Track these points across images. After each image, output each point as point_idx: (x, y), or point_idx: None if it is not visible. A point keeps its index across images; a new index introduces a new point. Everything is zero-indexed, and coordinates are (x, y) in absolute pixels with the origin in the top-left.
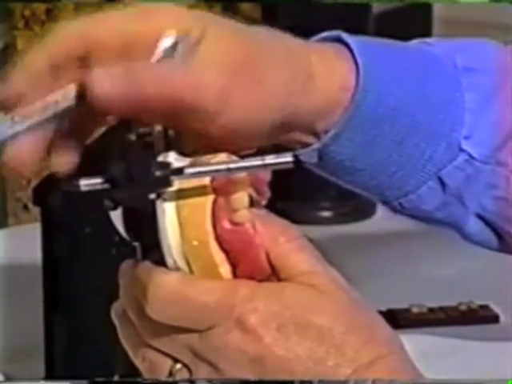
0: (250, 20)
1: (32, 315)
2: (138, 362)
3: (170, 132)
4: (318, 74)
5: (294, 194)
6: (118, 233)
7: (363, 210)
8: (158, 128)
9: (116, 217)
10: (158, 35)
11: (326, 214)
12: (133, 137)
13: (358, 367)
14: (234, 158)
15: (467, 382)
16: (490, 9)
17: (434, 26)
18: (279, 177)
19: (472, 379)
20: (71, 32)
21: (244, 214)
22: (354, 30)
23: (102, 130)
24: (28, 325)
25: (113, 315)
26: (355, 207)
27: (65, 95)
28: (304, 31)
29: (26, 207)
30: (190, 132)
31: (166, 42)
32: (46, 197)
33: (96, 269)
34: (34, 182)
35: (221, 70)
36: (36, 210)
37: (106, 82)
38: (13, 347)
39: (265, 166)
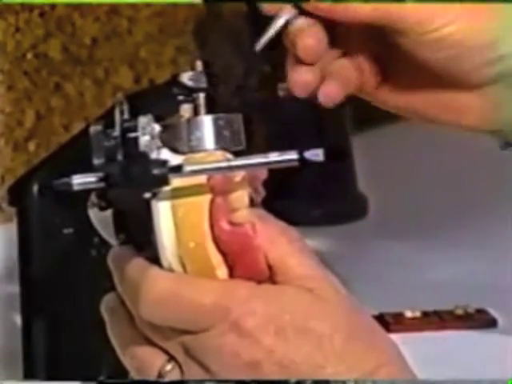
0: (234, 17)
1: (9, 317)
2: (126, 361)
3: (158, 127)
4: None
5: (284, 193)
6: (98, 234)
7: (355, 211)
8: (144, 121)
9: (96, 217)
10: None
11: (316, 213)
12: (116, 132)
13: (358, 376)
14: (230, 156)
15: (467, 382)
16: None
17: None
18: (273, 176)
19: (472, 380)
20: None
21: (244, 214)
22: None
23: (84, 125)
24: (5, 327)
25: (103, 310)
26: (346, 207)
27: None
28: None
29: None
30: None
31: None
32: (23, 197)
33: (75, 271)
34: (10, 182)
35: None
36: (10, 210)
37: None
38: None
39: (268, 163)
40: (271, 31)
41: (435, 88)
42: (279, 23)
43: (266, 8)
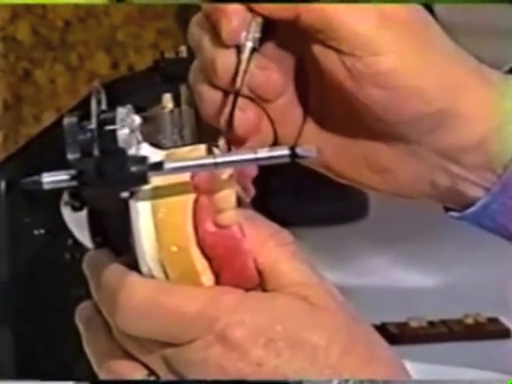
0: None
1: None
2: (102, 375)
3: (139, 119)
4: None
5: (280, 193)
6: (72, 236)
7: (355, 210)
8: (123, 112)
9: (70, 218)
10: None
11: (315, 214)
12: (92, 124)
13: None
14: (215, 151)
15: (467, 382)
16: (492, 13)
17: None
18: (265, 173)
19: (472, 380)
20: None
21: (230, 215)
22: None
23: (56, 116)
24: None
25: (77, 319)
26: (346, 207)
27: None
28: None
29: None
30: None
31: None
32: None
33: (47, 275)
34: None
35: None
36: None
37: None
38: None
39: (257, 160)
40: (243, 65)
41: (363, 138)
42: (246, 54)
43: (228, 38)
